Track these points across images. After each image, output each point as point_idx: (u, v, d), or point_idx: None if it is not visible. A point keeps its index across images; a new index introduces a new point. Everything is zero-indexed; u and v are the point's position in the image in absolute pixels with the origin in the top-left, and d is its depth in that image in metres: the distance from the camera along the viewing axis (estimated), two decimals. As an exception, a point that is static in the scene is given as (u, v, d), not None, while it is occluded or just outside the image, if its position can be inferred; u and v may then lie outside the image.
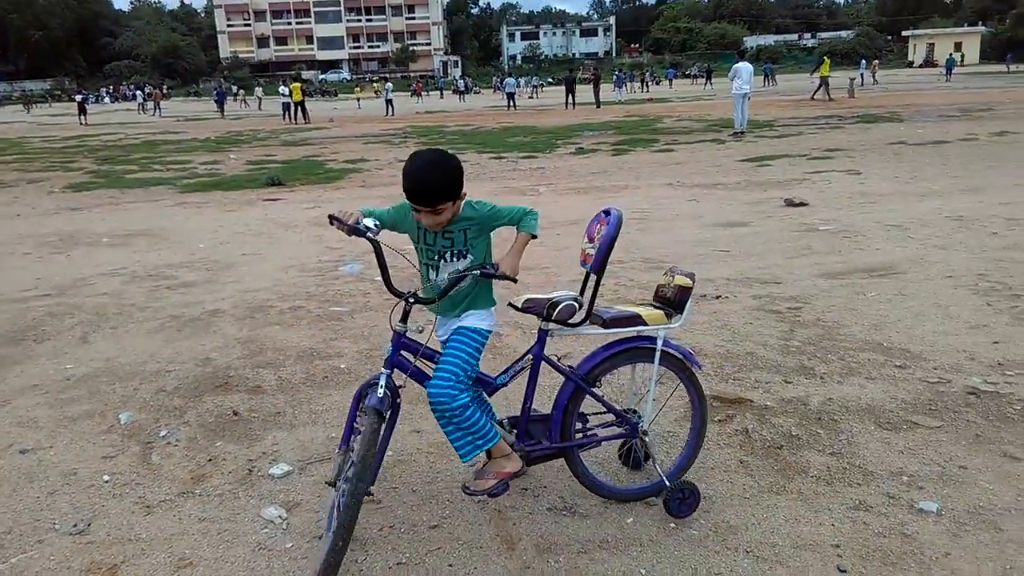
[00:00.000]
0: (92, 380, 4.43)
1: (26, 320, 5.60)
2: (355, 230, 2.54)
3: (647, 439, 2.97)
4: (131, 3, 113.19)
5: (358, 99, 49.43)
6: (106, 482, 3.31)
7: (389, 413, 2.56)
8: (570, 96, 35.17)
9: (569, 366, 2.90)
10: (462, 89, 55.59)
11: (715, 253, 6.90)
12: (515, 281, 2.56)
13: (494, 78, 71.46)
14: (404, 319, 2.61)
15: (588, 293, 2.80)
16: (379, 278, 2.58)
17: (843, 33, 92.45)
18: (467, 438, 2.59)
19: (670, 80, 62.49)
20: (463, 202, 2.60)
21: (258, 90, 45.90)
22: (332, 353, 4.69)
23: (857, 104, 26.72)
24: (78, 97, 39.95)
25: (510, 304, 2.83)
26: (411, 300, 2.56)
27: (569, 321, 2.74)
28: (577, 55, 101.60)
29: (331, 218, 2.59)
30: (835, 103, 27.92)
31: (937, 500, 2.91)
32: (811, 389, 3.90)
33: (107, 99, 70.62)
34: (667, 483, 2.87)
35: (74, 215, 10.87)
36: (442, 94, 62.69)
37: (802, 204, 8.90)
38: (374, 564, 2.65)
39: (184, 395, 4.17)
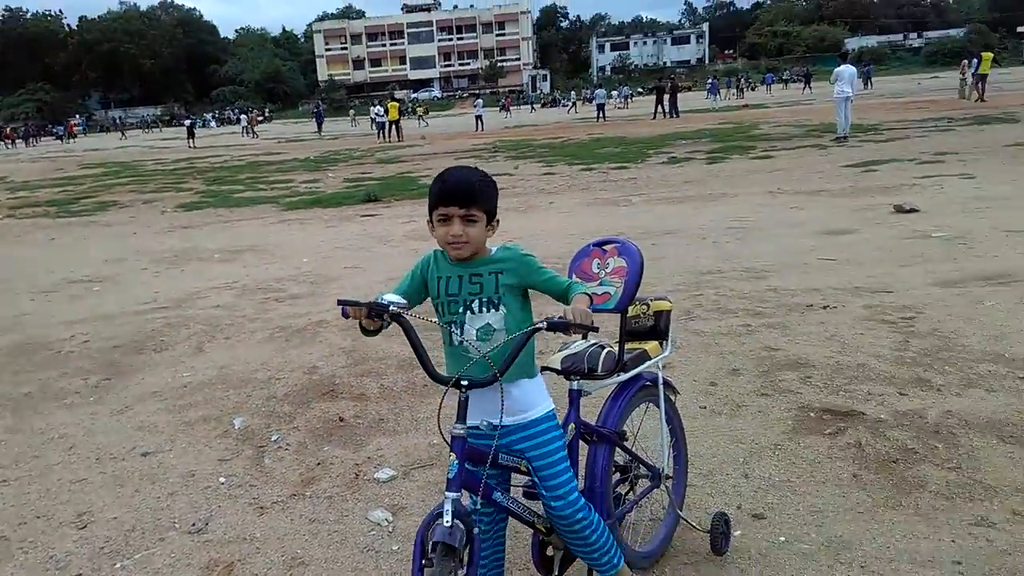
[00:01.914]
0: (208, 387, 4.64)
1: (146, 331, 5.93)
2: (375, 307, 2.05)
3: (669, 484, 2.71)
4: (236, 32, 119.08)
5: (419, 118, 50.24)
6: (222, 483, 3.46)
7: (468, 549, 1.95)
8: (659, 106, 34.78)
9: (597, 425, 2.46)
10: (573, 101, 55.59)
11: (820, 262, 6.67)
12: (596, 329, 2.02)
13: (583, 90, 71.44)
14: (463, 416, 2.02)
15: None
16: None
17: (952, 32, 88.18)
18: (604, 550, 2.24)
19: (768, 85, 60.99)
20: (496, 246, 2.22)
21: (373, 109, 44.47)
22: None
23: (966, 105, 25.39)
24: (187, 122, 42.35)
25: (545, 368, 2.40)
26: (465, 386, 2.02)
27: (599, 372, 2.36)
28: (669, 63, 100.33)
29: (341, 304, 2.10)
30: (964, 103, 26.57)
31: (1072, 519, 2.72)
32: (928, 401, 3.72)
33: (213, 123, 74.33)
34: (690, 520, 2.71)
35: (187, 232, 11.46)
36: (532, 107, 63.19)
37: (912, 210, 8.51)
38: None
39: (293, 402, 4.33)
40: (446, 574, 1.86)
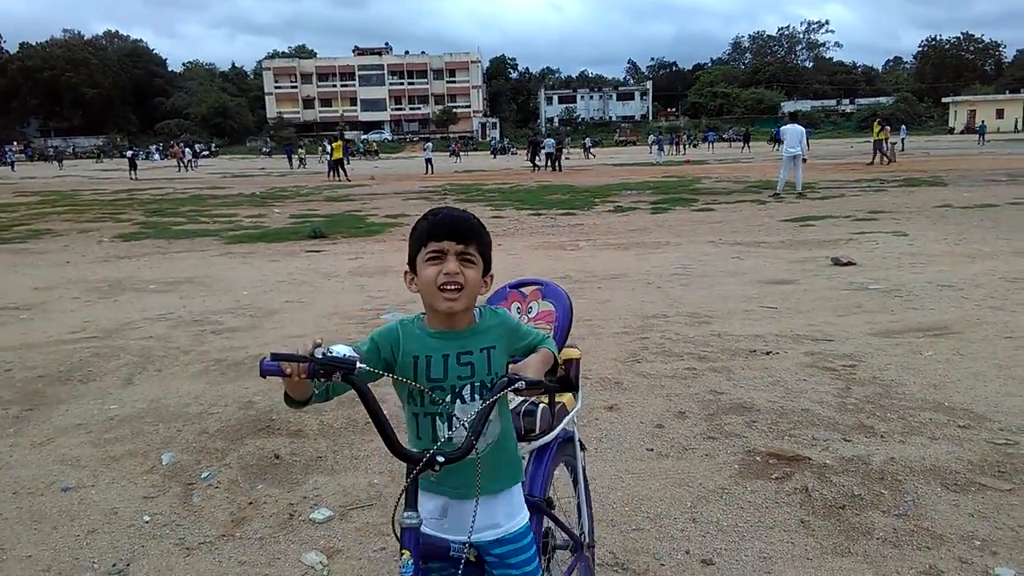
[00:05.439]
0: (136, 421, 4.41)
1: (72, 361, 5.65)
2: (326, 364, 1.57)
3: (589, 553, 2.46)
4: (184, 65, 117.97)
5: (300, 158, 50.43)
6: (146, 522, 3.26)
7: None
8: (534, 159, 36.10)
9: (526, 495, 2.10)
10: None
11: (762, 309, 6.76)
12: (560, 390, 1.73)
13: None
14: (412, 502, 1.65)
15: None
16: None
17: (882, 99, 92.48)
18: None
19: (710, 143, 62.84)
20: (485, 308, 1.90)
21: (326, 146, 39.52)
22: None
23: (899, 169, 26.50)
24: (128, 153, 41.50)
25: None
26: (439, 462, 1.62)
27: (535, 432, 2.10)
28: (614, 118, 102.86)
29: (276, 359, 1.58)
30: (880, 167, 27.71)
31: (1013, 566, 2.73)
32: (872, 448, 3.74)
33: (157, 156, 72.95)
34: None
35: (122, 263, 11.09)
36: (495, 154, 63.26)
37: (849, 263, 8.75)
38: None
39: (226, 437, 4.14)
40: None
